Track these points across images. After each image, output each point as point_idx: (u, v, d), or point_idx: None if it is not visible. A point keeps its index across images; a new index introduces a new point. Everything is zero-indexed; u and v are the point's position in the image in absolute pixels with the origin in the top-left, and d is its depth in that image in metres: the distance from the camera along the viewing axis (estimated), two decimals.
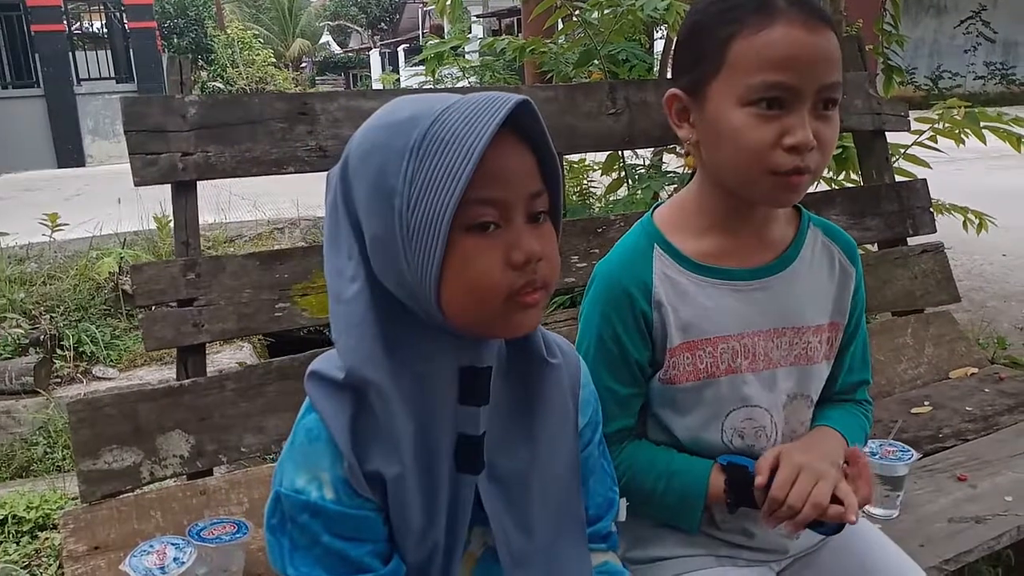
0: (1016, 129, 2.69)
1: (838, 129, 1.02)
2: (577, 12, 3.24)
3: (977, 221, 3.18)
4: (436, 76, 4.04)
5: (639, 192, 3.09)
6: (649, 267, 1.09)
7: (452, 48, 3.81)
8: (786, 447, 1.07)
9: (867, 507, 1.37)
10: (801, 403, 1.14)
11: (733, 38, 0.97)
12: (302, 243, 5.10)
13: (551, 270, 0.80)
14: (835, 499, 1.00)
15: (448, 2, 3.61)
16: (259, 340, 4.23)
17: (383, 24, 36.01)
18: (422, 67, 4.05)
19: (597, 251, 1.91)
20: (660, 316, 1.08)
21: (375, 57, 29.79)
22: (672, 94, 1.06)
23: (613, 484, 1.02)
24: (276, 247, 5.00)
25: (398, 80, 19.29)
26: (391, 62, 27.64)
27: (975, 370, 2.25)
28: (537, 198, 0.79)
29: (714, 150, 1.03)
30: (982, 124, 2.76)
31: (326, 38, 35.27)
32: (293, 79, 23.15)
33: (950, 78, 17.51)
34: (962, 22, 17.75)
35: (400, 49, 26.41)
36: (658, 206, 1.16)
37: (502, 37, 3.78)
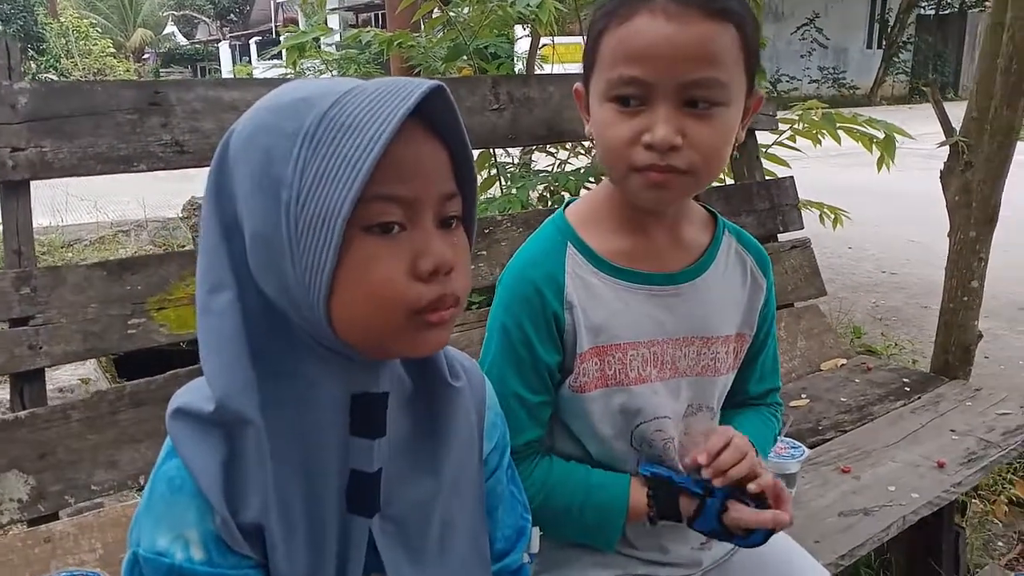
0: (870, 130, 2.82)
1: (722, 129, 0.96)
2: (446, 7, 3.15)
3: (833, 216, 3.33)
4: (297, 68, 3.84)
5: (514, 190, 3.03)
6: (562, 265, 1.02)
7: (314, 39, 3.62)
8: None
9: None
10: (705, 415, 1.10)
11: (604, 32, 0.95)
12: (151, 246, 4.73)
13: (463, 283, 0.71)
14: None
15: None
16: None
17: (232, 15, 34.60)
18: (278, 60, 3.85)
19: (485, 252, 1.84)
20: (572, 318, 1.01)
21: (224, 49, 28.47)
22: (575, 88, 1.04)
23: (524, 511, 0.93)
24: (121, 251, 4.62)
25: (250, 73, 18.55)
26: (243, 54, 26.57)
27: (844, 361, 2.34)
28: (450, 200, 0.70)
29: (596, 145, 1.01)
30: (838, 125, 2.89)
31: (171, 28, 33.41)
32: (135, 71, 21.86)
33: (788, 81, 18.64)
34: (798, 28, 18.98)
35: (252, 41, 25.45)
36: (571, 203, 1.10)
37: (367, 29, 3.63)
